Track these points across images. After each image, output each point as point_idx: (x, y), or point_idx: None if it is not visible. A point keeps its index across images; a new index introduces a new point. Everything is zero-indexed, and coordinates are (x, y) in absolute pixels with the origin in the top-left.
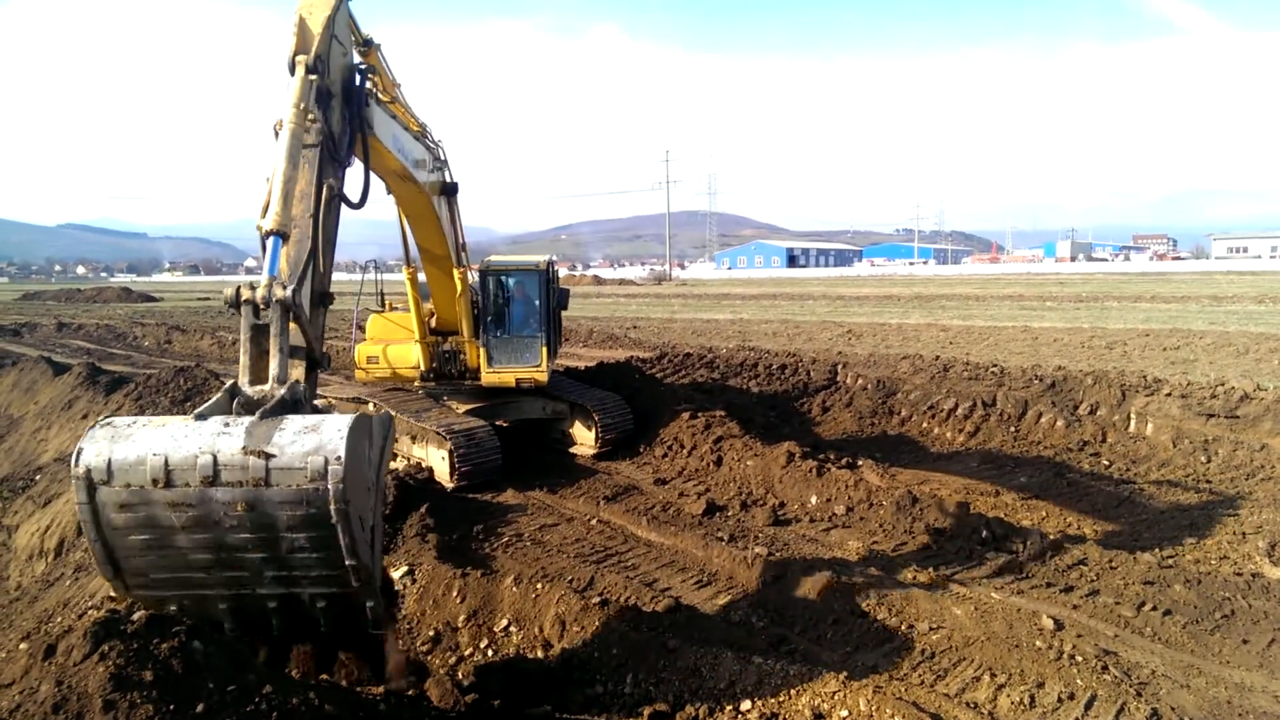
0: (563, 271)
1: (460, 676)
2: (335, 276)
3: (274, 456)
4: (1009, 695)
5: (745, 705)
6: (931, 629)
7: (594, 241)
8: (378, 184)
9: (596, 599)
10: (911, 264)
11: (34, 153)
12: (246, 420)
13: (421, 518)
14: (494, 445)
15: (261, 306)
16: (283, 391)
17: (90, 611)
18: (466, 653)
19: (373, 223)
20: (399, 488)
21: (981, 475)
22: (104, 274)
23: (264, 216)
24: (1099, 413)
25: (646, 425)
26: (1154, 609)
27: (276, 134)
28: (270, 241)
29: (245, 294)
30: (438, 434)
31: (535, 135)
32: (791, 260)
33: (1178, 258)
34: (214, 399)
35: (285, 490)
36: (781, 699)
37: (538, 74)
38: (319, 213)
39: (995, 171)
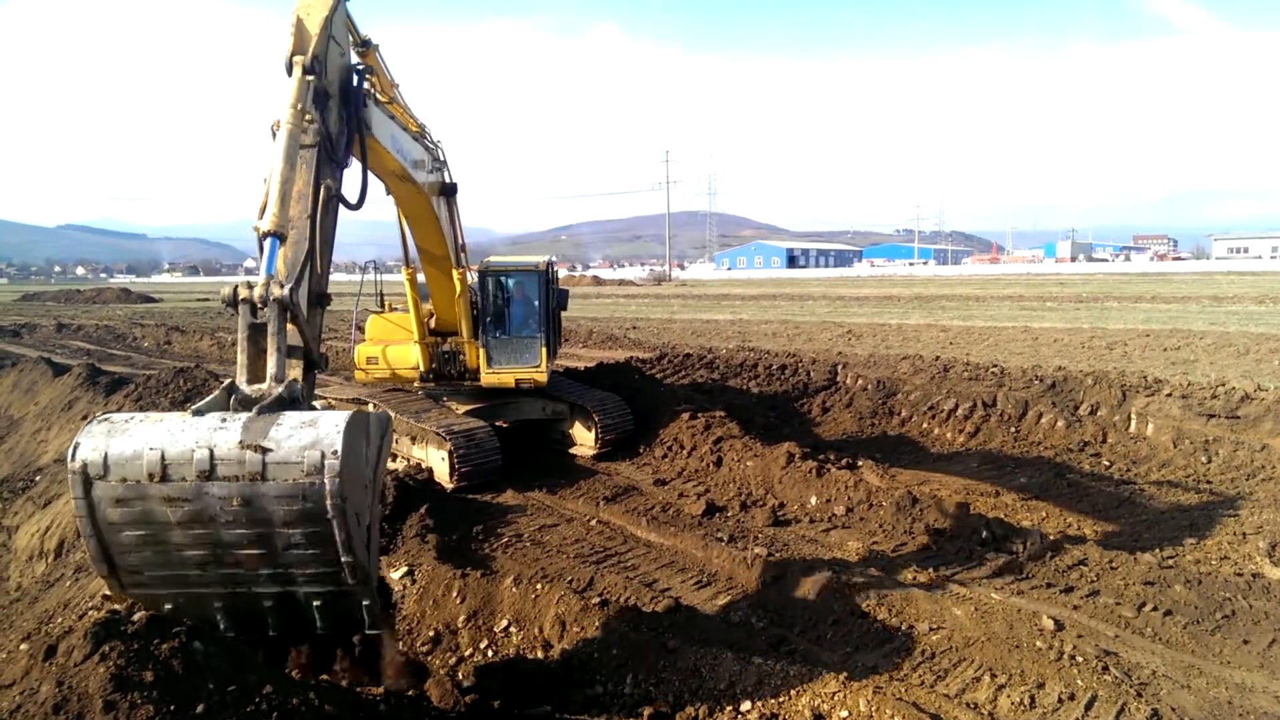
0: (562, 272)
1: (460, 677)
2: (334, 277)
3: (270, 451)
4: (1009, 696)
5: (745, 706)
6: (931, 629)
7: (594, 242)
8: (376, 185)
9: (596, 599)
10: (911, 264)
11: (33, 153)
12: (243, 415)
13: (421, 518)
14: (494, 446)
15: (259, 305)
16: (280, 390)
17: (91, 612)
18: (466, 653)
19: (372, 223)
20: (399, 488)
21: (981, 476)
22: (103, 275)
23: (261, 217)
24: (1099, 413)
25: (646, 426)
26: (1154, 609)
27: (274, 135)
28: (268, 242)
29: (243, 293)
30: (437, 435)
31: (535, 135)
32: (791, 261)
33: (1178, 258)
34: (211, 396)
35: (281, 485)
36: (781, 699)
37: (538, 74)
38: (316, 213)
39: (995, 172)
